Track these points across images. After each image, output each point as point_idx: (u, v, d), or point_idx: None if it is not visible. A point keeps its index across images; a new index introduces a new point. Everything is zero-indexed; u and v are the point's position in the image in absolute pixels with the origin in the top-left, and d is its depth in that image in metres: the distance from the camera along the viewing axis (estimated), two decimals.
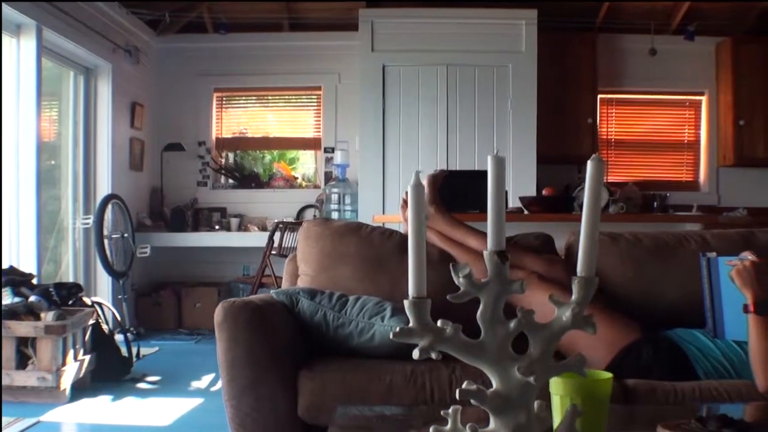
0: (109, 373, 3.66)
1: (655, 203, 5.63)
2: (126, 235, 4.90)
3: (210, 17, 5.54)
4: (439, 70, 5.17)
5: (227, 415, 1.87)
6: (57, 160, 4.82)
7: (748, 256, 1.94)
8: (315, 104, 5.85)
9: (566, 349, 2.11)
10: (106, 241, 4.66)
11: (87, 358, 3.49)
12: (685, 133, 5.95)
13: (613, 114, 5.91)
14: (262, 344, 1.84)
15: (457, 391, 0.97)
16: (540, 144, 5.24)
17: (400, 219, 2.47)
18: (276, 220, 5.10)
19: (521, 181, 5.08)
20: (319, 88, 5.77)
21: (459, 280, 0.99)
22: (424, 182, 2.48)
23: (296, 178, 5.87)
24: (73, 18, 4.34)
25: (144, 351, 4.30)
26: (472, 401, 0.97)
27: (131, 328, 4.68)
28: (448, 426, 0.99)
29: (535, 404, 1.01)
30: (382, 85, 5.14)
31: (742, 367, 1.89)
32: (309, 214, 5.61)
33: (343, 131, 5.63)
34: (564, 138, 5.50)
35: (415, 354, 0.99)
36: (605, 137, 5.87)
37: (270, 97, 5.97)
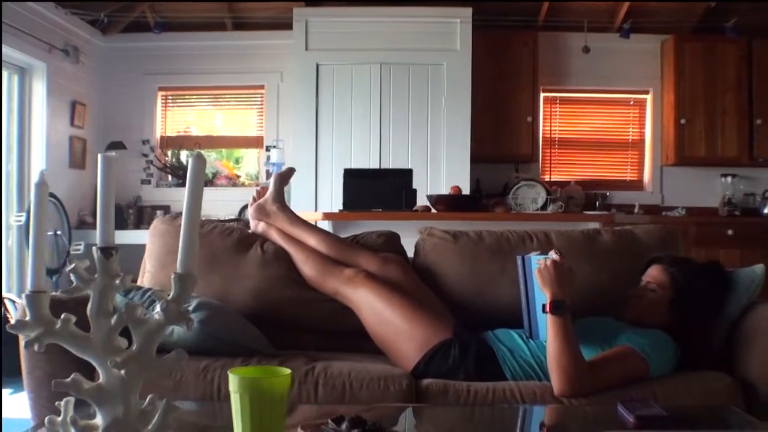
0: (16, 367, 3.71)
1: (597, 202, 5.64)
2: (59, 232, 4.96)
3: (153, 17, 5.59)
4: (373, 68, 5.18)
5: (29, 405, 1.91)
6: None
7: (553, 255, 1.94)
8: (258, 103, 5.89)
9: (384, 347, 2.13)
10: None
11: None
12: (629, 131, 5.92)
13: (557, 112, 5.87)
14: None
15: (53, 382, 1.00)
16: (478, 143, 5.23)
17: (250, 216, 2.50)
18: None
19: (455, 180, 5.07)
20: (262, 87, 5.80)
21: (70, 275, 1.02)
22: (271, 180, 2.52)
23: (239, 177, 5.91)
24: None
25: None
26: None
27: None
28: (60, 417, 1.02)
29: (147, 399, 1.04)
30: (315, 84, 5.16)
31: None
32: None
33: (284, 130, 5.66)
34: (502, 137, 5.48)
35: (22, 345, 1.02)
36: (549, 136, 5.85)
37: (215, 96, 6.00)
